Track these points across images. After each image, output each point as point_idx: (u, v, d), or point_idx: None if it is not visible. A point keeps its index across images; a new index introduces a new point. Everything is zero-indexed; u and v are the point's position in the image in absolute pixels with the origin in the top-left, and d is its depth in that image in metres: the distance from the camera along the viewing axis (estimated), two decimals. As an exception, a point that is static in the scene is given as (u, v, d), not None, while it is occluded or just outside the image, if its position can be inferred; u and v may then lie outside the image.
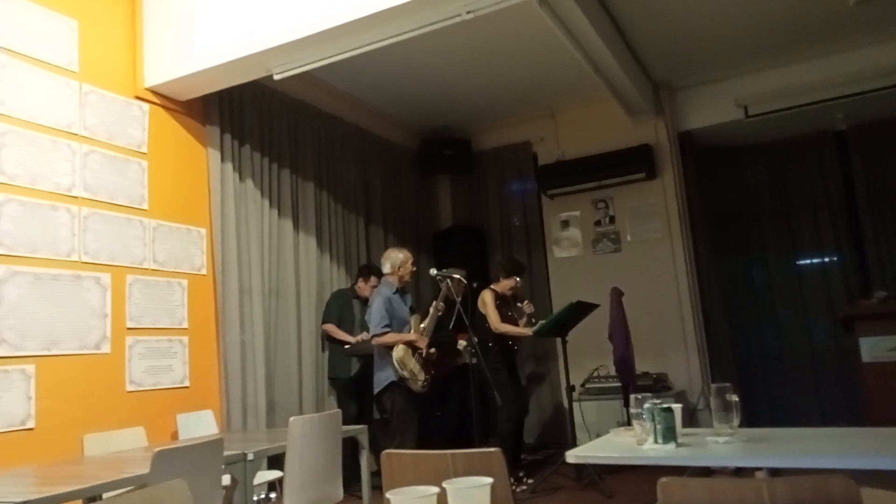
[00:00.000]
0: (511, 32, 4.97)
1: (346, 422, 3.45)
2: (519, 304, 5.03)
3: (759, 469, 2.05)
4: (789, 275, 6.60)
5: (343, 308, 5.14)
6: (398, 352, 4.28)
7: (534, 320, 5.02)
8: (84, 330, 3.61)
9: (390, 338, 4.33)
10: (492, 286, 4.99)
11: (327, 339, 5.15)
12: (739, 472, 3.39)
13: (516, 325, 4.90)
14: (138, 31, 4.23)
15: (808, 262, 6.58)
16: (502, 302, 4.95)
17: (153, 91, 4.21)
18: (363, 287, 5.16)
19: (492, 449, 1.76)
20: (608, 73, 5.15)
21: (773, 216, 6.69)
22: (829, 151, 6.43)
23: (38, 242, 3.46)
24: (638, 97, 5.65)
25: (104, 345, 3.71)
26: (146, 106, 4.19)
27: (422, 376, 4.33)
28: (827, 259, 6.48)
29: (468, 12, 3.57)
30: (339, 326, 5.07)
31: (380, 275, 4.96)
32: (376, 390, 4.40)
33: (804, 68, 5.73)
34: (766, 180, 6.74)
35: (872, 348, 4.36)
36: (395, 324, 4.39)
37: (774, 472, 1.96)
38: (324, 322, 5.13)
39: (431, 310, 4.52)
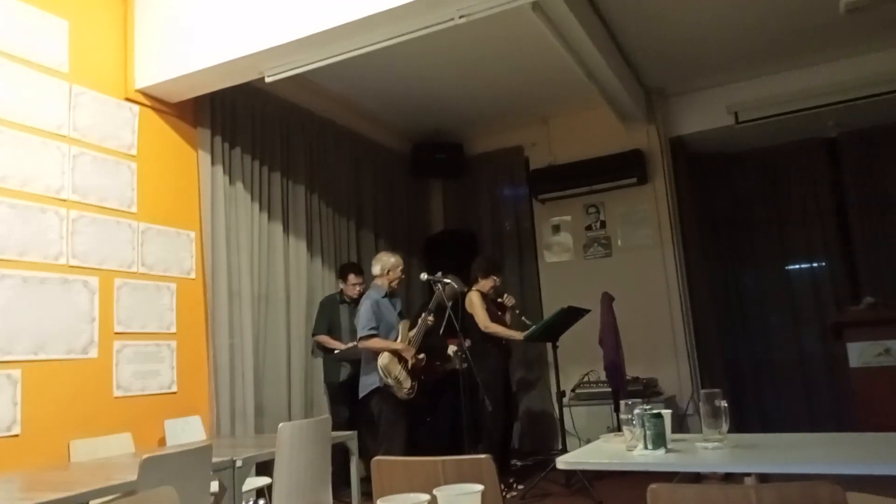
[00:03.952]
0: (504, 37, 4.98)
1: (336, 427, 3.44)
2: (500, 300, 5.03)
3: (748, 475, 2.06)
4: (779, 281, 6.64)
5: (331, 316, 5.11)
6: (383, 359, 4.27)
7: (518, 311, 5.02)
8: (71, 334, 3.58)
9: (377, 343, 4.32)
10: (474, 287, 4.99)
11: (319, 347, 5.14)
12: (728, 477, 3.40)
13: (506, 325, 4.91)
14: (129, 32, 4.20)
15: (798, 268, 6.62)
16: (488, 302, 4.96)
17: (144, 93, 4.19)
18: (347, 288, 5.12)
19: (482, 455, 1.75)
20: (601, 79, 5.17)
21: (764, 223, 6.73)
22: (819, 158, 6.48)
23: (26, 245, 3.42)
24: (630, 103, 5.68)
25: (91, 349, 3.68)
26: (137, 108, 4.17)
27: (408, 384, 4.32)
28: (816, 265, 6.52)
29: (461, 17, 3.57)
30: (330, 334, 5.05)
31: (358, 272, 4.98)
32: (361, 395, 4.39)
33: (795, 76, 5.78)
34: (757, 187, 6.78)
35: (860, 354, 4.39)
36: (383, 328, 4.38)
37: (763, 478, 1.96)
38: (314, 334, 5.11)
39: (420, 321, 4.50)
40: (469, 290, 4.97)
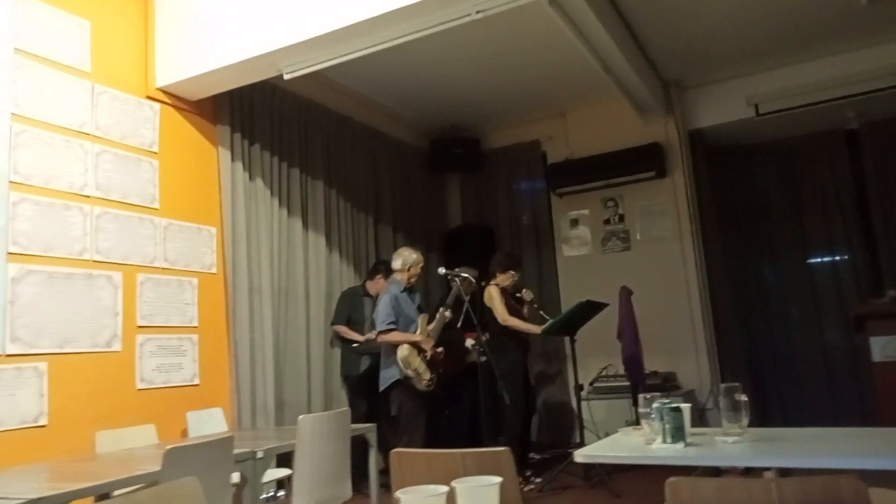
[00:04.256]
0: (520, 32, 4.96)
1: (355, 420, 3.47)
2: (518, 295, 5.05)
3: (769, 469, 2.05)
4: (800, 274, 6.57)
5: (352, 308, 5.14)
6: (402, 351, 4.30)
7: (535, 305, 5.04)
8: (96, 328, 3.65)
9: (395, 336, 4.35)
10: (493, 282, 5.00)
11: (337, 338, 5.17)
12: (749, 472, 3.39)
13: (523, 319, 4.92)
14: (150, 31, 4.26)
15: (819, 260, 6.54)
16: (507, 296, 4.97)
17: (164, 91, 4.24)
18: (380, 283, 5.10)
19: (501, 448, 1.76)
20: (618, 72, 5.14)
21: (784, 215, 6.65)
22: (840, 150, 6.39)
23: (51, 242, 3.49)
24: (648, 96, 5.63)
25: (115, 343, 3.75)
26: (157, 106, 4.22)
27: (427, 375, 4.35)
28: (838, 258, 6.44)
29: (478, 12, 3.57)
30: (350, 326, 5.08)
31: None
32: (382, 388, 4.43)
33: (815, 66, 5.70)
34: (777, 179, 6.70)
35: (883, 348, 4.33)
36: (402, 322, 4.42)
37: (784, 472, 1.96)
38: (333, 323, 5.15)
39: (438, 315, 4.53)
40: (487, 284, 4.98)
